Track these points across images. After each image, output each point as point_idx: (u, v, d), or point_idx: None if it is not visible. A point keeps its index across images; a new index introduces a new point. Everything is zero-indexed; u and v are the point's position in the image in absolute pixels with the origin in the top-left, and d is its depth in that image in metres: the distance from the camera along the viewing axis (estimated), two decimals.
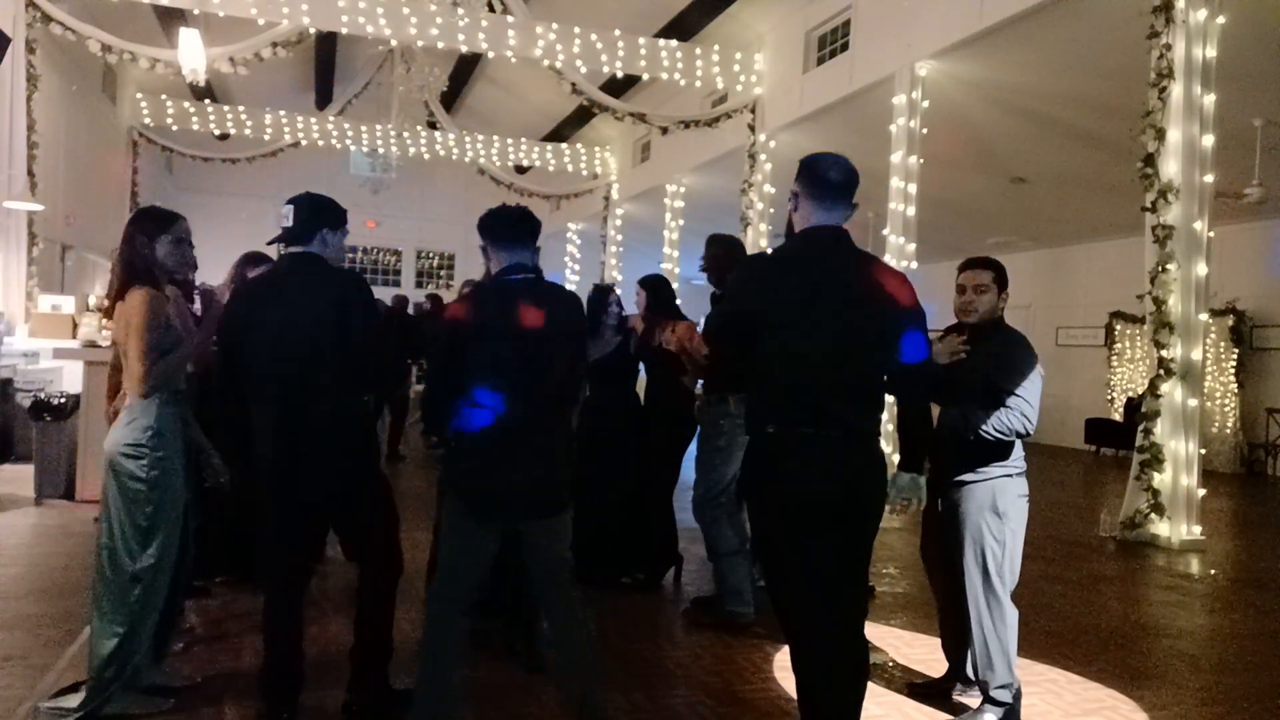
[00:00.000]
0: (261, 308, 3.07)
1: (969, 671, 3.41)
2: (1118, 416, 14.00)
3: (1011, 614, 3.23)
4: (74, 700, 2.99)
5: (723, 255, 4.48)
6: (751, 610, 4.36)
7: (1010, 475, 3.26)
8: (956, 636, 3.45)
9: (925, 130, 9.78)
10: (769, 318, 2.50)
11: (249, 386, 3.07)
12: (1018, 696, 3.24)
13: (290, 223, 3.10)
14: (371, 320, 3.12)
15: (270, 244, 3.29)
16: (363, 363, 3.03)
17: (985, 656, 3.23)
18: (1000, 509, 3.22)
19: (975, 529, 3.23)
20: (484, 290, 3.07)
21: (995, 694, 3.22)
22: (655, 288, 5.13)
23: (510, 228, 3.00)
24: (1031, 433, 3.24)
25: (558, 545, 2.92)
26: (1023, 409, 3.19)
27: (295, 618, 3.09)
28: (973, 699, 3.42)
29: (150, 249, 3.08)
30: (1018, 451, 3.30)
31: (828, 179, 2.60)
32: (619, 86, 13.80)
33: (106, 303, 3.21)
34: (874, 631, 4.46)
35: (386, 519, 3.23)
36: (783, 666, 3.90)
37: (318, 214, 3.15)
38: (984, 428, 3.19)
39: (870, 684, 3.70)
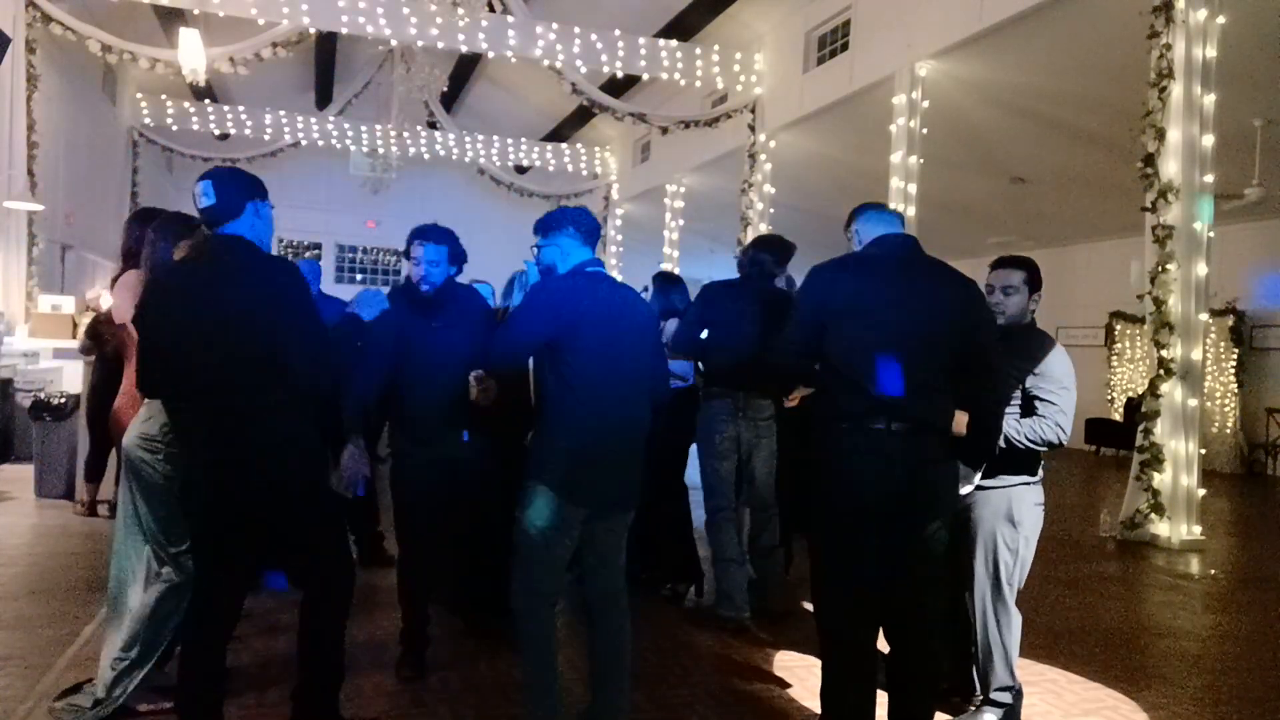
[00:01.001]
0: (181, 300, 2.68)
1: (974, 675, 3.37)
2: (1118, 416, 14.00)
3: (1016, 619, 3.23)
4: (87, 700, 3.02)
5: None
6: (741, 615, 4.36)
7: (1028, 484, 3.23)
8: (953, 639, 3.39)
9: (925, 130, 9.78)
10: (846, 314, 2.65)
11: (171, 385, 2.75)
12: (1018, 698, 3.23)
13: (213, 199, 2.69)
14: (300, 317, 2.67)
15: (193, 226, 3.01)
16: (291, 365, 2.63)
17: (988, 659, 3.22)
18: (1016, 517, 3.19)
19: (989, 536, 3.20)
20: (580, 279, 2.98)
21: (996, 695, 3.22)
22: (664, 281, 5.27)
23: (596, 226, 3.07)
24: (1065, 443, 3.20)
25: (623, 537, 3.03)
26: (1057, 418, 3.14)
27: (218, 629, 2.81)
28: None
29: (171, 254, 3.10)
30: (1036, 459, 3.26)
31: (885, 209, 2.94)
32: (619, 86, 13.80)
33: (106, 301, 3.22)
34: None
35: (333, 538, 2.92)
36: (783, 667, 3.91)
37: (246, 185, 2.77)
38: (1016, 436, 3.13)
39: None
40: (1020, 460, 3.18)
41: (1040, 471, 3.28)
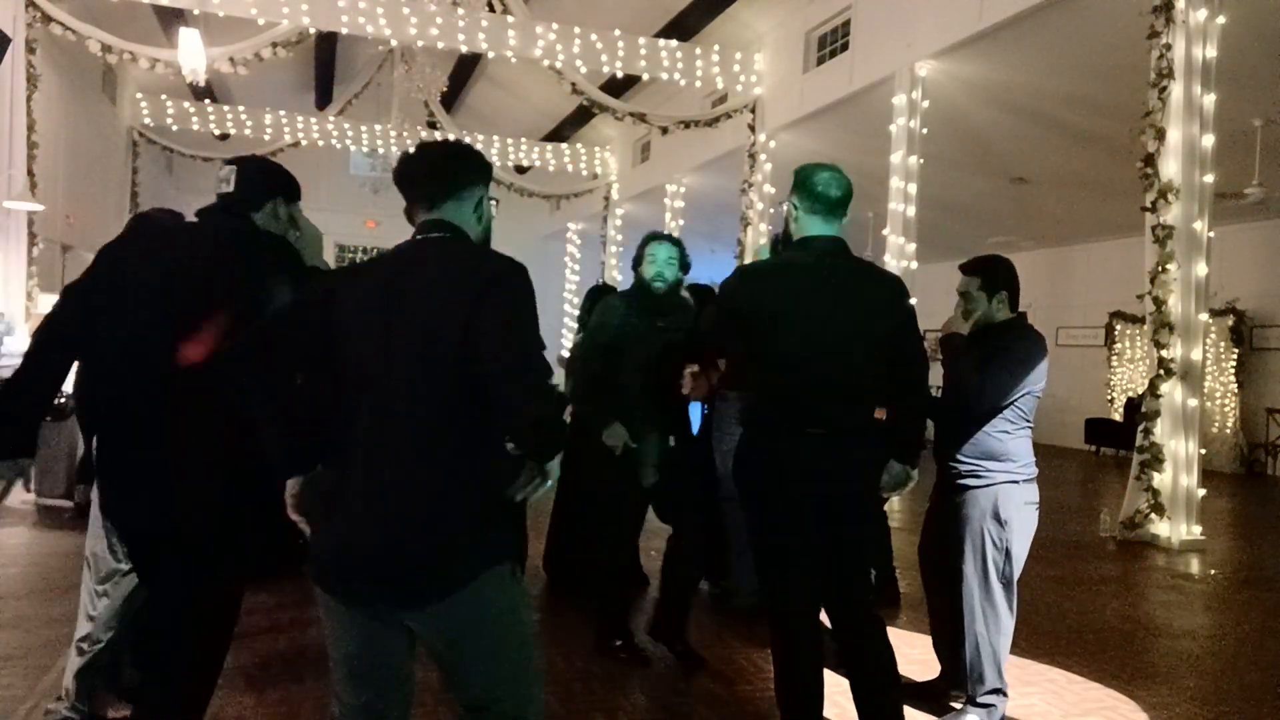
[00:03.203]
0: (135, 265, 2.35)
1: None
2: (1118, 416, 14.00)
3: (1007, 621, 3.20)
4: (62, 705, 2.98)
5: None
6: (747, 602, 4.50)
7: (1016, 481, 3.18)
8: (949, 639, 3.42)
9: (925, 130, 9.77)
10: (767, 322, 2.65)
11: (93, 359, 2.40)
12: (1003, 702, 3.21)
13: (231, 187, 2.46)
14: (244, 312, 2.19)
15: (200, 215, 2.55)
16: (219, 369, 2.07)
17: (975, 660, 3.20)
18: (1003, 515, 3.16)
19: (976, 534, 3.18)
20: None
21: (981, 698, 3.19)
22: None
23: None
24: (981, 408, 3.13)
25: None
26: (981, 382, 3.09)
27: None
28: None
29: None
30: (1024, 455, 3.22)
31: (828, 196, 2.72)
32: (619, 86, 13.79)
33: None
34: None
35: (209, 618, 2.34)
36: None
37: (271, 179, 2.56)
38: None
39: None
40: (993, 451, 3.16)
41: (1032, 470, 3.25)
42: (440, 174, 2.03)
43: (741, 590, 4.60)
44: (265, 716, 3.14)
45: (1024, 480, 3.20)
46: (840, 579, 2.74)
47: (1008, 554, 3.17)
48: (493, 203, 2.17)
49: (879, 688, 2.74)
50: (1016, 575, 3.24)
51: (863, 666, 2.75)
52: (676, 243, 3.86)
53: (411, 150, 2.09)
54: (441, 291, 1.87)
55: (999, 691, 3.19)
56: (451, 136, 17.13)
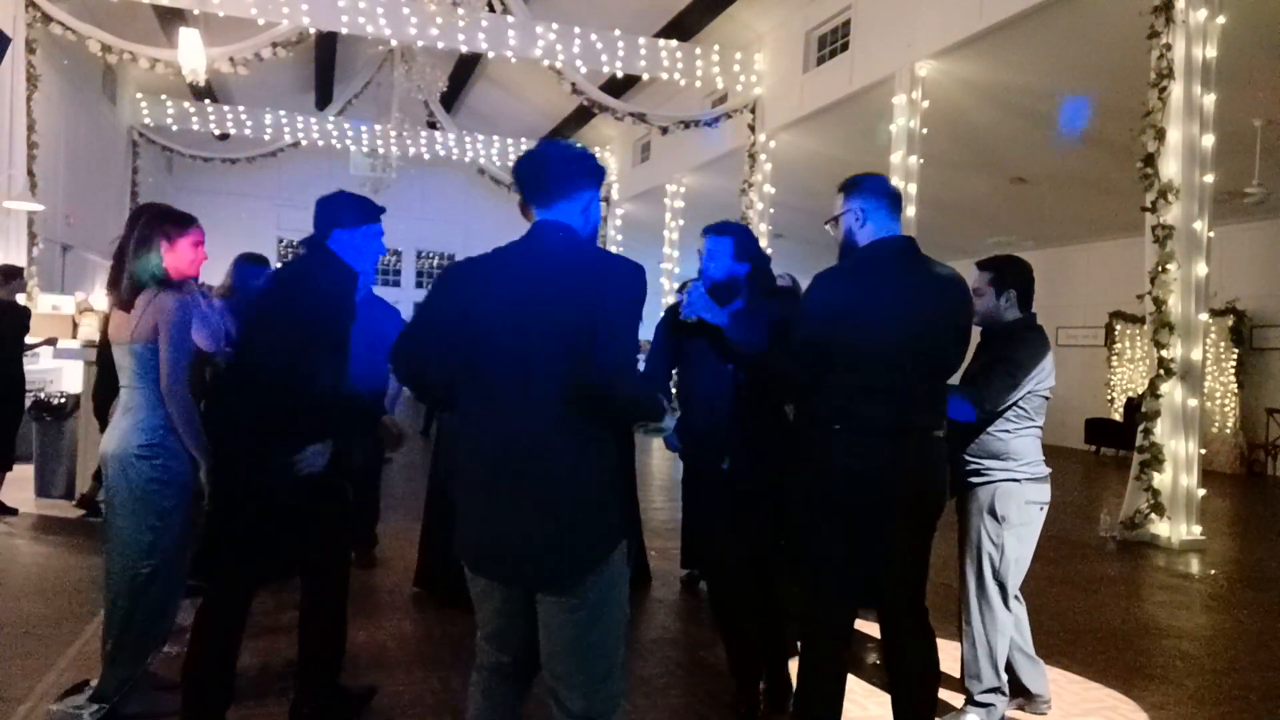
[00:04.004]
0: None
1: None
2: (1118, 416, 14.00)
3: (1005, 619, 3.18)
4: (81, 698, 3.01)
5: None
6: None
7: (1017, 480, 3.16)
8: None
9: (925, 130, 9.78)
10: (860, 322, 2.60)
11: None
12: (1003, 701, 3.19)
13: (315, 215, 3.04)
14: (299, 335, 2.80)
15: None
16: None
17: (973, 659, 3.19)
18: (1000, 512, 3.15)
19: (973, 531, 3.19)
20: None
21: (980, 697, 3.18)
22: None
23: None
24: (989, 412, 3.10)
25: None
26: (983, 388, 3.06)
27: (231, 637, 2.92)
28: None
29: (169, 250, 3.06)
30: (1028, 454, 3.20)
31: (895, 193, 2.81)
32: (619, 86, 13.80)
33: (108, 299, 3.16)
34: (875, 628, 4.47)
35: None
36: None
37: (326, 208, 3.01)
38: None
39: (865, 683, 3.72)
40: (995, 450, 3.17)
41: (1041, 469, 3.23)
42: (557, 175, 2.13)
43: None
44: (266, 716, 3.14)
45: (1026, 479, 3.18)
46: (909, 581, 2.74)
47: (1003, 552, 3.15)
48: (603, 204, 2.37)
49: (922, 697, 2.76)
50: (1018, 576, 3.21)
51: (908, 670, 2.76)
52: (728, 231, 3.38)
53: (532, 148, 2.22)
54: (573, 285, 2.01)
55: (998, 690, 3.18)
56: (451, 136, 17.16)
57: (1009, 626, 3.21)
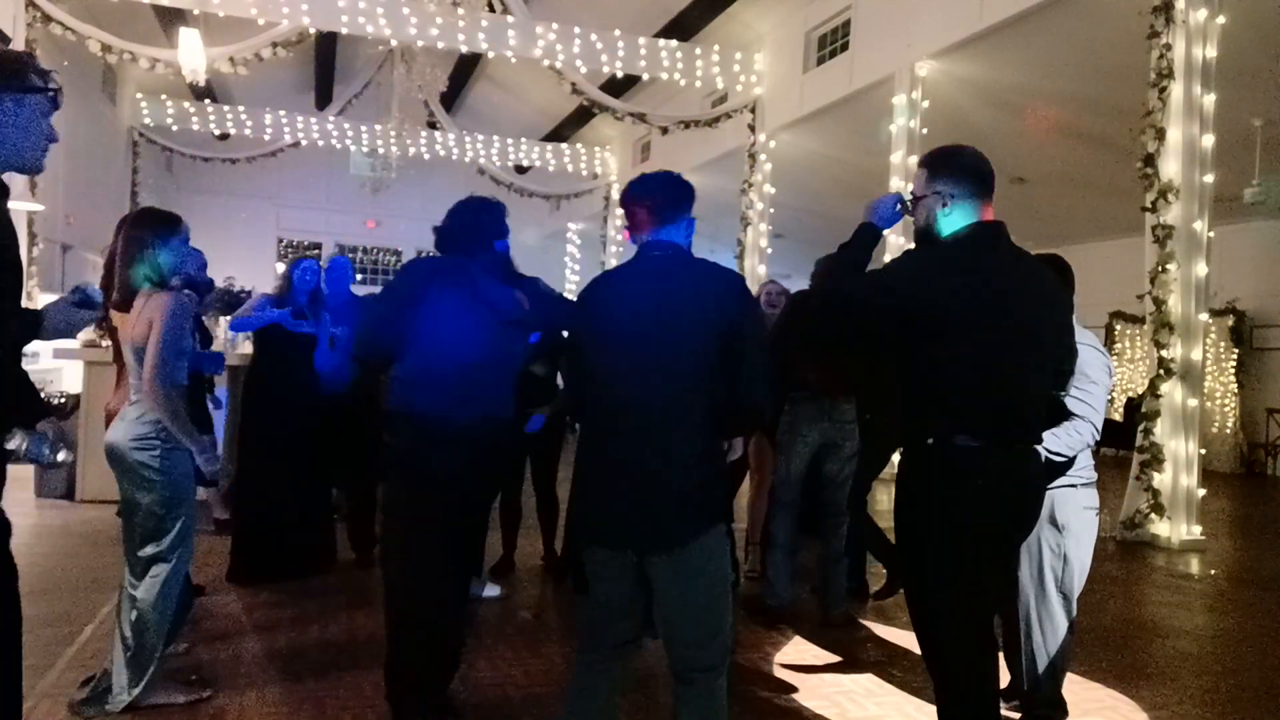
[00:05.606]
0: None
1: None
2: (1118, 416, 13.99)
3: (1064, 630, 3.03)
4: (101, 688, 3.07)
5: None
6: (780, 600, 4.58)
7: (1074, 486, 3.01)
8: (1016, 648, 3.19)
9: (925, 130, 9.78)
10: (951, 319, 2.26)
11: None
12: (1064, 717, 3.07)
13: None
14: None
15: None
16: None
17: (1031, 671, 3.04)
18: (1060, 520, 3.00)
19: (1034, 541, 2.98)
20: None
21: (1039, 711, 3.04)
22: None
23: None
24: (1098, 439, 2.93)
25: None
26: (1090, 417, 2.90)
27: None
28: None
29: (160, 251, 3.11)
30: (1085, 460, 3.04)
31: (984, 171, 2.54)
32: (619, 86, 13.79)
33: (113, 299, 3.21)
34: (884, 631, 4.47)
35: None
36: (783, 665, 3.90)
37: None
38: (1053, 454, 2.78)
39: (871, 684, 3.72)
40: (1060, 469, 2.96)
41: (1091, 474, 3.08)
42: (672, 200, 2.43)
43: (774, 589, 4.59)
44: (265, 716, 3.14)
45: (1082, 485, 3.04)
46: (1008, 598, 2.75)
47: (1066, 560, 3.01)
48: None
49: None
50: (1079, 584, 3.06)
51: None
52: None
53: (644, 175, 2.50)
54: (698, 293, 2.30)
55: (1057, 704, 3.04)
56: (451, 136, 17.15)
57: (1068, 636, 3.06)
